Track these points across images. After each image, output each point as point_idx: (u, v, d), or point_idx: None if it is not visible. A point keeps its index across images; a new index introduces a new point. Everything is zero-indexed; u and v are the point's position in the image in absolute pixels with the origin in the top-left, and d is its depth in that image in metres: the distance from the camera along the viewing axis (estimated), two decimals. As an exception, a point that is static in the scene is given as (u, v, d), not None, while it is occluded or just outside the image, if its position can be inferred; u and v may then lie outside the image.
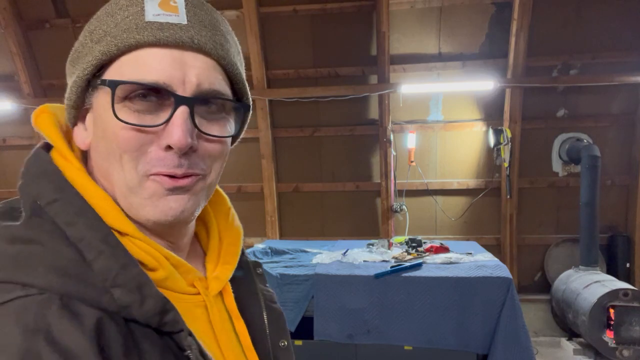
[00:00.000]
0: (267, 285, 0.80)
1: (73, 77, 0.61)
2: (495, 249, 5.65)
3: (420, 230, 5.85)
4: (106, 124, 0.58)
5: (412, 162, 5.81)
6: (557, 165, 5.74)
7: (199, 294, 0.66)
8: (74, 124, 0.64)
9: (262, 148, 5.96)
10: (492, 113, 5.76)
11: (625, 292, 4.43)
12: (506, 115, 5.61)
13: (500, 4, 5.39)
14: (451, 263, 3.75)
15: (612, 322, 4.45)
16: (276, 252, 4.28)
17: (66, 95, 0.63)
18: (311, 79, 5.87)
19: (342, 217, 6.21)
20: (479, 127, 5.83)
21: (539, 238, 5.87)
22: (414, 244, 4.33)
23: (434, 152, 5.96)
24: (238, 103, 0.64)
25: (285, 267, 3.79)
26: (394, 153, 5.89)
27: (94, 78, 0.59)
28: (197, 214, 0.64)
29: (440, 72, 5.72)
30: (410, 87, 5.52)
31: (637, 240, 5.59)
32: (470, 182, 5.92)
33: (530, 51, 5.39)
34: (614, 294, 4.44)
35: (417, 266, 3.62)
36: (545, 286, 5.82)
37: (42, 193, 0.56)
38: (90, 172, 0.62)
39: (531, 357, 3.22)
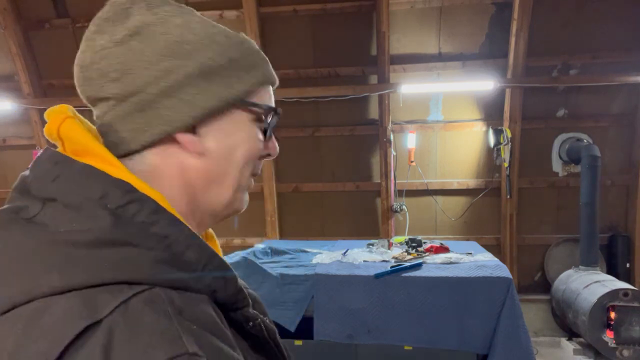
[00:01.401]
0: None
1: (208, 92, 0.67)
2: (495, 249, 5.65)
3: (420, 230, 5.85)
4: (247, 137, 0.71)
5: (412, 162, 5.81)
6: (557, 165, 5.74)
7: None
8: (177, 131, 0.67)
9: (262, 148, 5.95)
10: (492, 113, 5.76)
11: (625, 292, 4.43)
12: (506, 115, 5.62)
13: (500, 4, 5.39)
14: (451, 263, 3.75)
15: (612, 322, 4.45)
16: (276, 252, 4.28)
17: (203, 104, 0.66)
18: (311, 79, 5.87)
19: (342, 217, 6.21)
20: (479, 127, 5.83)
21: (539, 238, 5.87)
22: (414, 244, 4.33)
23: (434, 152, 5.96)
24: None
25: (286, 267, 3.79)
26: (394, 153, 5.89)
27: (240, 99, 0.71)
28: None
29: (440, 72, 5.73)
30: (410, 87, 5.52)
31: (637, 240, 5.59)
32: (470, 182, 5.92)
33: (530, 51, 5.40)
34: (614, 294, 4.44)
35: (417, 266, 3.62)
36: (545, 286, 5.82)
37: (109, 196, 0.58)
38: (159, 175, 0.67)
39: (531, 357, 3.22)
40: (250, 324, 0.64)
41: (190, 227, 0.63)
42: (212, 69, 0.67)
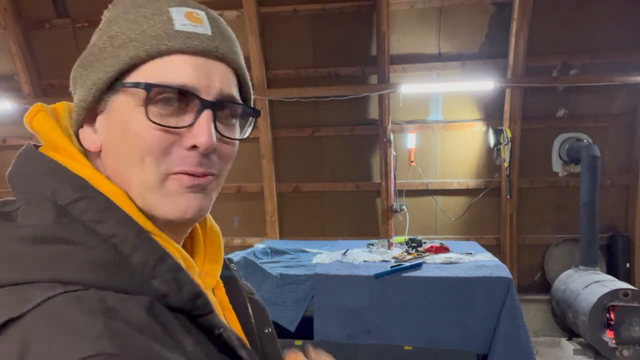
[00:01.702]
0: (242, 278, 0.84)
1: (88, 80, 0.63)
2: (495, 249, 5.65)
3: (420, 230, 5.85)
4: (129, 125, 0.61)
5: (412, 162, 5.81)
6: (557, 165, 5.74)
7: None
8: (80, 126, 0.66)
9: (262, 148, 5.96)
10: (492, 113, 5.76)
11: (625, 292, 4.43)
12: (506, 115, 5.61)
13: (500, 4, 5.39)
14: (451, 263, 3.75)
15: (612, 322, 4.45)
16: (276, 252, 4.28)
17: (79, 97, 0.64)
18: (311, 79, 5.87)
19: (342, 217, 6.20)
20: (479, 127, 5.83)
21: (539, 238, 5.86)
22: (414, 244, 4.32)
23: (434, 152, 5.96)
24: (251, 109, 0.69)
25: (286, 267, 3.79)
26: (394, 153, 5.89)
27: (115, 81, 0.62)
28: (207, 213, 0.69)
29: (440, 72, 5.72)
30: (410, 87, 5.52)
31: (637, 240, 5.59)
32: (470, 182, 5.92)
33: (530, 51, 5.39)
34: (614, 294, 4.44)
35: (417, 266, 3.62)
36: (545, 286, 5.82)
37: (60, 192, 0.58)
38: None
39: (531, 357, 3.22)
40: (216, 331, 0.60)
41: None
42: (92, 54, 0.63)
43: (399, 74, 5.74)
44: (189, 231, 0.72)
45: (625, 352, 4.42)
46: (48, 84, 6.25)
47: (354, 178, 6.09)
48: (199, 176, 0.62)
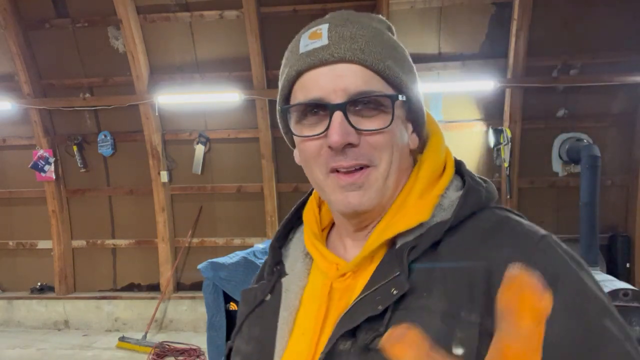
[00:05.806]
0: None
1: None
2: (495, 249, 5.65)
3: (420, 230, 5.84)
4: (297, 141, 0.77)
5: (412, 162, 5.81)
6: (557, 165, 5.74)
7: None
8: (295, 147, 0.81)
9: (262, 148, 5.96)
10: (492, 113, 5.76)
11: (625, 292, 4.43)
12: (506, 115, 5.62)
13: (500, 4, 5.40)
14: (451, 263, 3.74)
15: (612, 322, 4.45)
16: (276, 252, 4.27)
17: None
18: (311, 79, 5.86)
19: (342, 217, 6.19)
20: (479, 127, 5.83)
21: (539, 238, 5.86)
22: (414, 244, 4.32)
23: (434, 152, 5.95)
24: (386, 95, 0.71)
25: (285, 267, 3.78)
26: (394, 153, 5.88)
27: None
28: (378, 202, 0.74)
29: (440, 72, 5.72)
30: (410, 87, 5.51)
31: (637, 240, 5.59)
32: (470, 182, 5.91)
33: (530, 51, 5.40)
34: (614, 294, 4.44)
35: (417, 266, 3.61)
36: (545, 286, 5.82)
37: None
38: None
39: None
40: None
41: None
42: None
43: (399, 74, 5.74)
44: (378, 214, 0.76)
45: (625, 352, 4.42)
46: (48, 84, 6.24)
47: (354, 178, 6.09)
48: (352, 172, 0.71)
